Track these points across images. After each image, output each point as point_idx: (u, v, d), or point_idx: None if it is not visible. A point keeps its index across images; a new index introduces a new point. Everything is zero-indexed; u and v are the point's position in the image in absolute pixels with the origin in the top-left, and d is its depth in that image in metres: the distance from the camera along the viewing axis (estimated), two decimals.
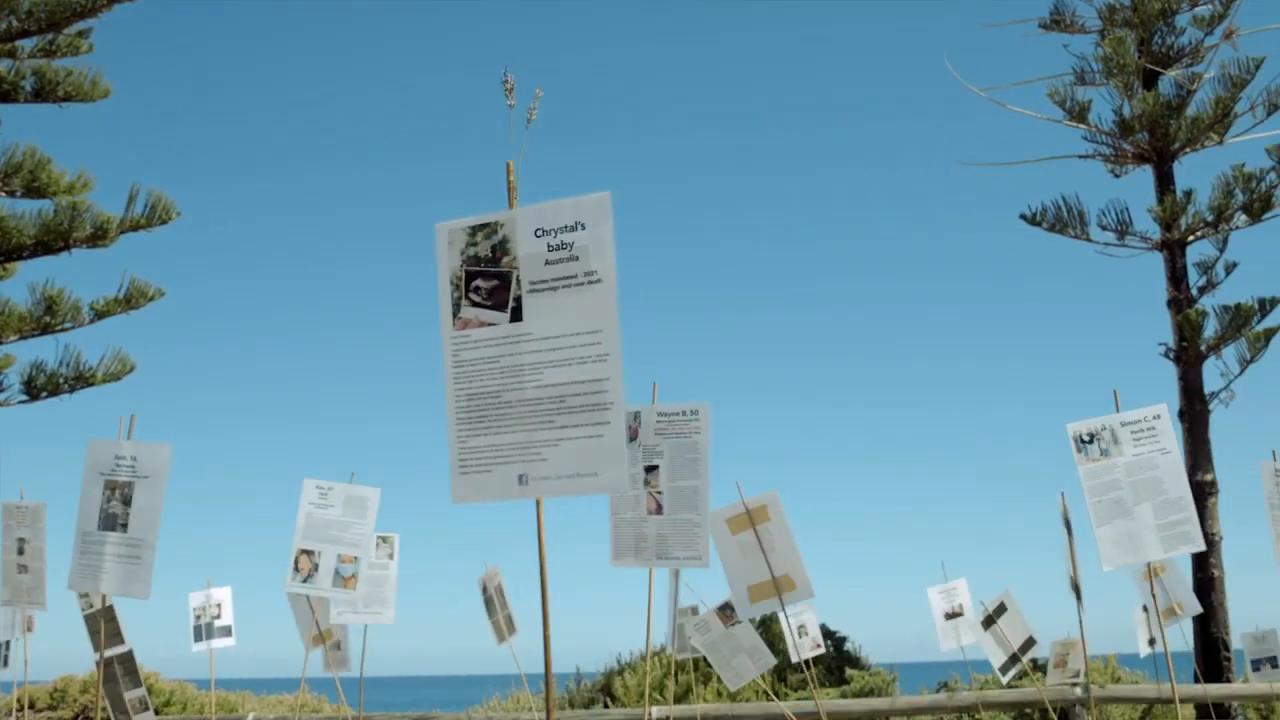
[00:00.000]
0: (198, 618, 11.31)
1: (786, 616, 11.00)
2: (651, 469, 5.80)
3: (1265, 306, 15.10)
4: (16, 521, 8.46)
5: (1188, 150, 15.87)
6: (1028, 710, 14.34)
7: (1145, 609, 11.96)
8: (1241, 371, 15.23)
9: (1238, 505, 15.49)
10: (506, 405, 3.25)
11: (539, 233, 3.23)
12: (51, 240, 15.68)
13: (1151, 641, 13.24)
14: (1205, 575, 15.10)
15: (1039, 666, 15.94)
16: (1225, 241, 15.60)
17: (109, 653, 8.72)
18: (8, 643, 10.36)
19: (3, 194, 15.81)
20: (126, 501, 6.04)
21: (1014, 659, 9.56)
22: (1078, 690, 12.21)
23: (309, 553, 7.42)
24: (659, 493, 5.74)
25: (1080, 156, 16.45)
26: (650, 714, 11.67)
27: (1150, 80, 15.88)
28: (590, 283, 3.15)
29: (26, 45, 16.00)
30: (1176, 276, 15.68)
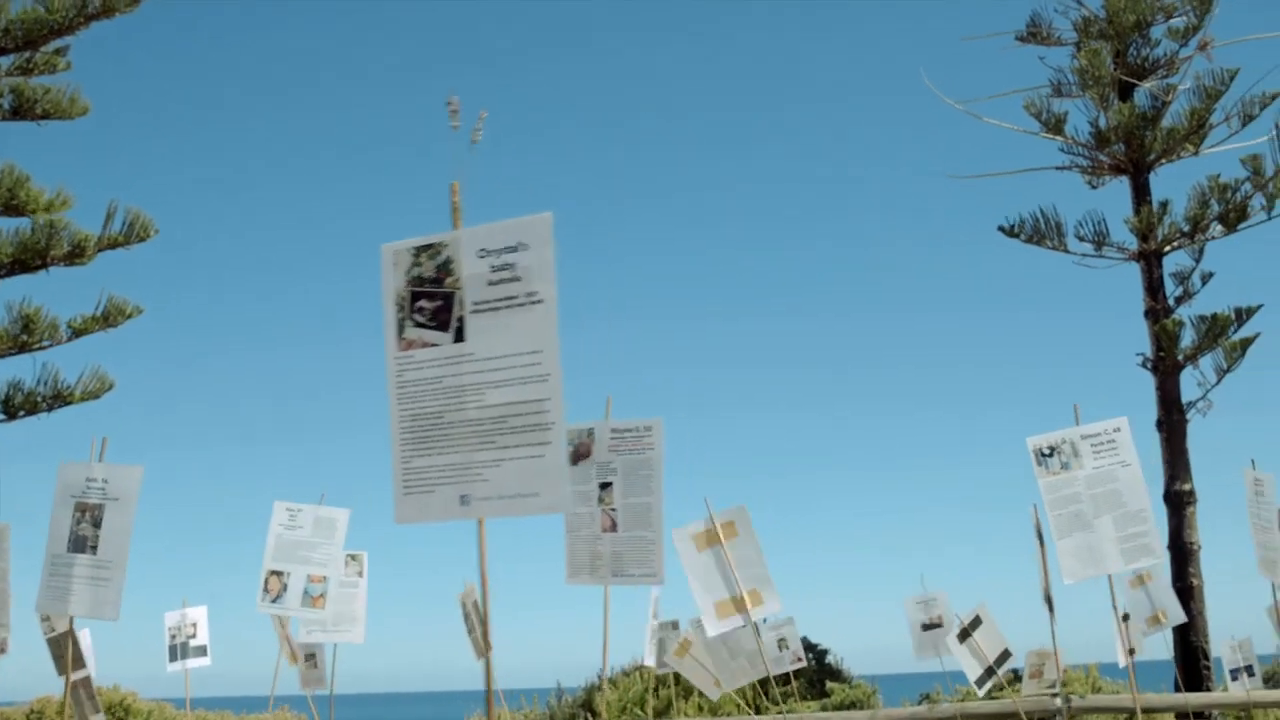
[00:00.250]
0: (173, 637, 11.29)
1: (759, 632, 11.00)
2: (606, 486, 5.80)
3: (1241, 316, 15.17)
4: None
5: (1164, 161, 15.95)
6: None
7: (1126, 618, 12.00)
8: (1218, 381, 15.30)
9: (1216, 514, 15.54)
10: (449, 426, 3.26)
11: (482, 253, 3.25)
12: (29, 258, 15.65)
13: (1131, 651, 13.30)
14: (1185, 584, 15.13)
15: (1019, 676, 15.95)
16: (1201, 252, 15.68)
17: (74, 676, 8.68)
18: None
19: None
20: (97, 524, 6.04)
21: (990, 671, 9.59)
22: (1057, 701, 12.24)
23: (278, 573, 7.42)
24: (613, 510, 5.74)
25: (1058, 168, 16.52)
26: None
27: (1126, 92, 15.97)
28: (531, 303, 3.16)
29: (4, 63, 15.98)
30: (1153, 287, 15.75)
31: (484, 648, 10.15)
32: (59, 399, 16.20)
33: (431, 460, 3.28)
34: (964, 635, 9.53)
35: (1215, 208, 15.40)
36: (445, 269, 3.30)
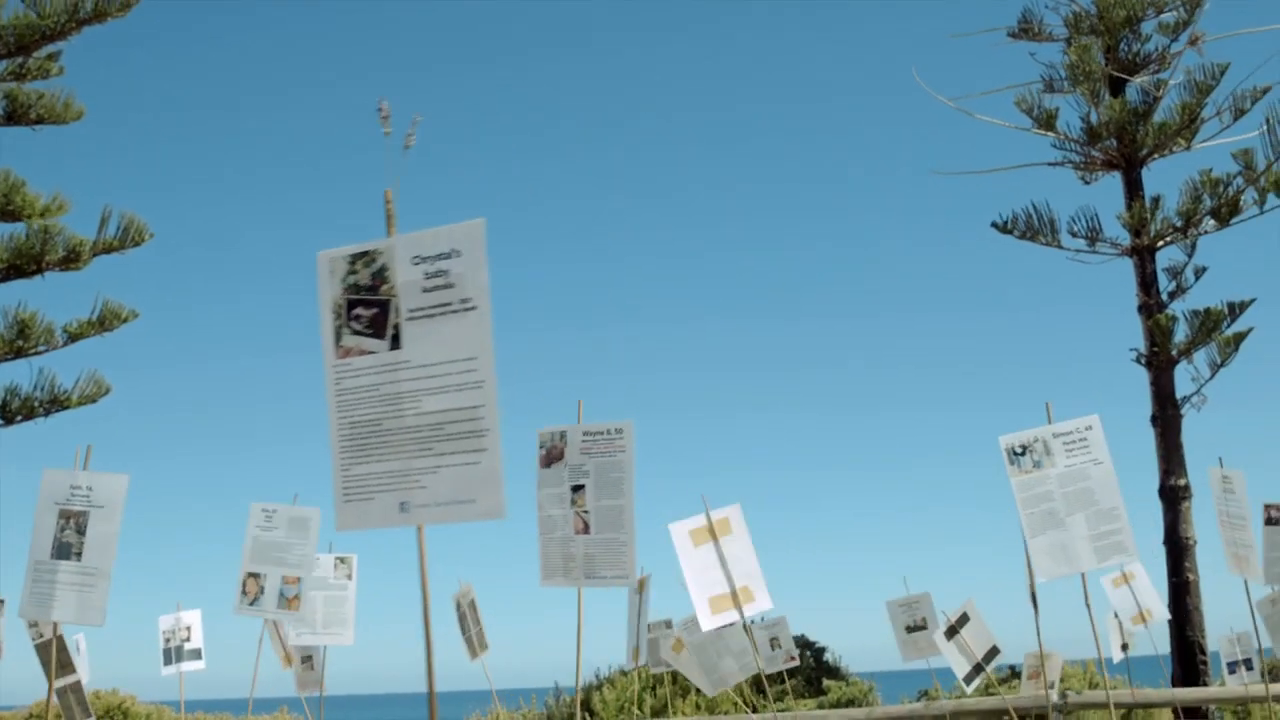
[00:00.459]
0: (167, 641, 11.30)
1: (750, 629, 11.00)
2: (578, 488, 5.82)
3: (1235, 311, 15.15)
4: None
5: (1156, 156, 15.93)
6: (1005, 718, 14.35)
7: (1116, 614, 12.00)
8: (1212, 376, 15.28)
9: (1212, 509, 15.50)
10: (387, 433, 3.27)
11: (416, 260, 3.26)
12: (24, 263, 15.69)
13: (1125, 647, 13.29)
14: (1180, 579, 15.12)
15: (1017, 673, 15.94)
16: (1194, 246, 15.65)
17: (60, 682, 8.70)
18: None
19: None
20: (81, 530, 6.08)
21: (978, 668, 9.56)
22: (1054, 696, 12.23)
23: (255, 575, 7.44)
24: (585, 512, 5.77)
25: (1050, 164, 16.51)
26: None
27: (1117, 87, 15.95)
28: (465, 310, 3.17)
29: None
30: (1146, 282, 15.73)
31: (477, 649, 10.16)
32: (56, 404, 16.24)
33: (370, 468, 3.30)
34: (951, 632, 9.51)
35: (1208, 202, 15.37)
36: (381, 276, 3.31)
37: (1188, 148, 15.81)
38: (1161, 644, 13.71)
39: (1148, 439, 15.59)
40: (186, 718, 12.41)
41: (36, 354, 15.84)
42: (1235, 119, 15.52)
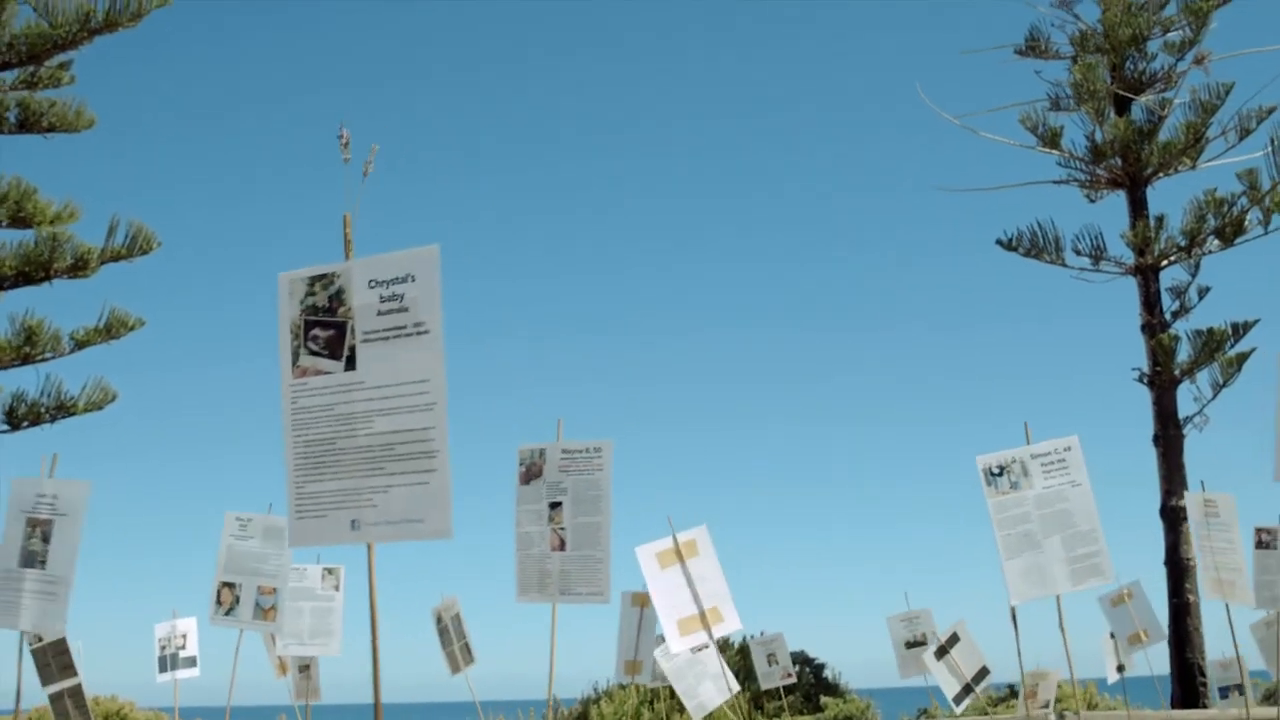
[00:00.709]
0: (163, 648, 11.37)
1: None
2: (555, 505, 5.86)
3: (1238, 331, 15.10)
4: None
5: (1161, 175, 15.91)
6: None
7: (1113, 635, 11.96)
8: (1215, 396, 15.23)
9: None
10: (340, 452, 3.33)
11: (372, 284, 3.32)
12: (32, 271, 15.80)
13: (1121, 668, 13.24)
14: (1181, 600, 15.07)
15: (1015, 692, 15.88)
16: (1198, 266, 15.63)
17: (59, 686, 8.76)
18: None
19: None
20: (46, 539, 6.13)
21: (967, 689, 9.56)
22: (1052, 716, 12.19)
23: (230, 585, 7.48)
24: (562, 529, 5.80)
25: (1055, 182, 16.50)
26: None
27: (1123, 106, 15.95)
28: (418, 333, 3.23)
29: (8, 77, 16.16)
30: (1150, 301, 15.70)
31: (460, 663, 10.19)
32: (62, 409, 16.33)
33: (324, 485, 3.35)
34: (941, 652, 9.52)
35: (1212, 222, 15.35)
36: (338, 299, 3.37)
37: (1193, 167, 15.79)
38: (1157, 665, 13.65)
39: (1150, 459, 15.56)
40: None
41: (43, 360, 15.94)
42: (1241, 139, 15.49)
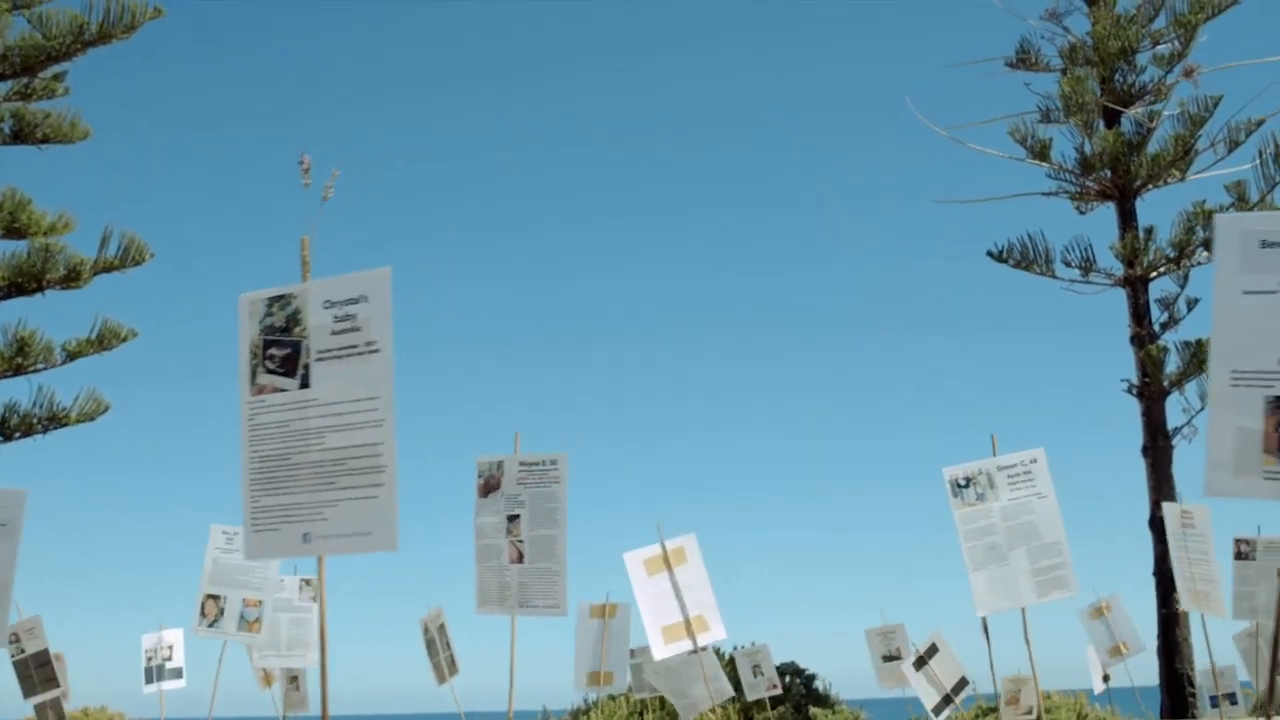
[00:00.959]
0: (149, 659, 11.43)
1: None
2: (514, 518, 5.92)
3: None
4: None
5: (1150, 187, 16.00)
6: None
7: (1095, 647, 12.01)
8: (1203, 407, 15.27)
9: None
10: (294, 467, 3.41)
11: (327, 304, 3.40)
12: (25, 281, 15.87)
13: (1106, 678, 13.29)
14: (1170, 611, 15.10)
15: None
16: (1186, 278, 15.72)
17: (42, 697, 8.80)
18: None
19: None
20: None
21: (947, 699, 9.60)
22: None
23: (215, 597, 7.54)
24: (520, 541, 5.86)
25: (1045, 194, 16.60)
26: None
27: (1112, 118, 16.04)
28: (370, 352, 3.31)
29: (2, 89, 16.25)
30: (1139, 313, 15.78)
31: (446, 673, 10.24)
32: (55, 420, 16.39)
33: (278, 499, 3.43)
34: (920, 663, 9.55)
35: (1200, 234, 15.43)
36: (294, 319, 3.45)
37: (1182, 179, 15.89)
38: (1140, 676, 13.70)
39: (1138, 470, 15.63)
40: None
41: (35, 371, 16.00)
42: (1229, 151, 15.59)
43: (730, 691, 9.16)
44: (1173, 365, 15.35)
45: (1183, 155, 15.54)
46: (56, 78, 16.54)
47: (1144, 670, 14.15)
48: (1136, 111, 15.91)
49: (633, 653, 11.89)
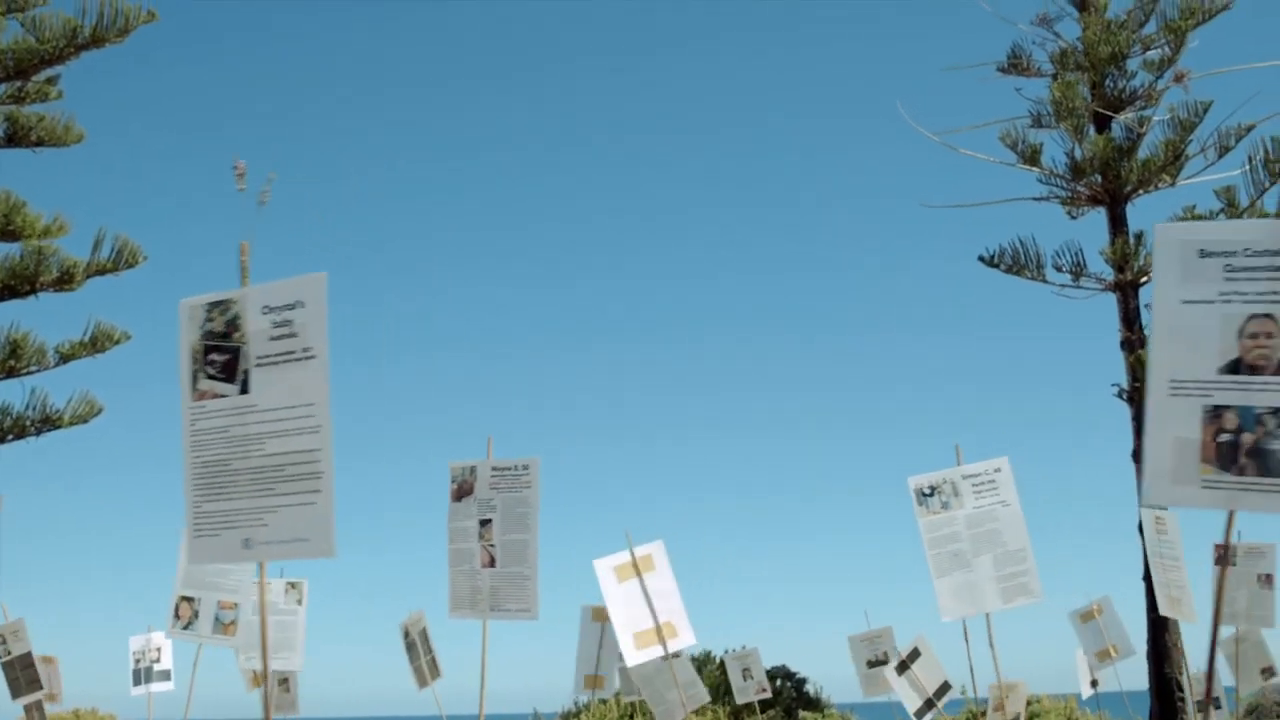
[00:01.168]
0: (137, 661, 11.48)
1: (727, 661, 11.03)
2: (486, 523, 5.95)
3: None
4: None
5: (1140, 192, 15.99)
6: None
7: (1084, 651, 12.02)
8: None
9: (1191, 546, 15.49)
10: (235, 473, 3.43)
11: (265, 310, 3.43)
12: (17, 284, 15.92)
13: (1094, 683, 13.30)
14: (1159, 615, 15.06)
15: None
16: None
17: (29, 698, 8.85)
18: None
19: None
20: None
21: (929, 704, 9.60)
22: None
23: (189, 599, 7.56)
24: (492, 546, 5.89)
25: (1036, 199, 16.58)
26: None
27: (1103, 123, 16.04)
28: (306, 358, 3.33)
29: None
30: (1129, 317, 15.77)
31: (428, 677, 10.24)
32: (48, 423, 16.44)
33: (219, 505, 3.45)
34: (903, 667, 9.55)
35: None
36: (234, 324, 3.47)
37: (1172, 184, 15.87)
38: (1129, 681, 13.71)
39: (1129, 475, 15.62)
40: None
41: (29, 374, 16.06)
42: (1220, 156, 15.56)
43: (706, 697, 9.19)
44: None
45: (1173, 160, 15.52)
46: (50, 81, 16.59)
47: (1132, 675, 14.16)
48: (1127, 117, 15.91)
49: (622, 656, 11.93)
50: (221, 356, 3.47)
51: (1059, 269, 16.22)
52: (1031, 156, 15.86)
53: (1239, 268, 3.27)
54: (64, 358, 16.15)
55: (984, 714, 16.79)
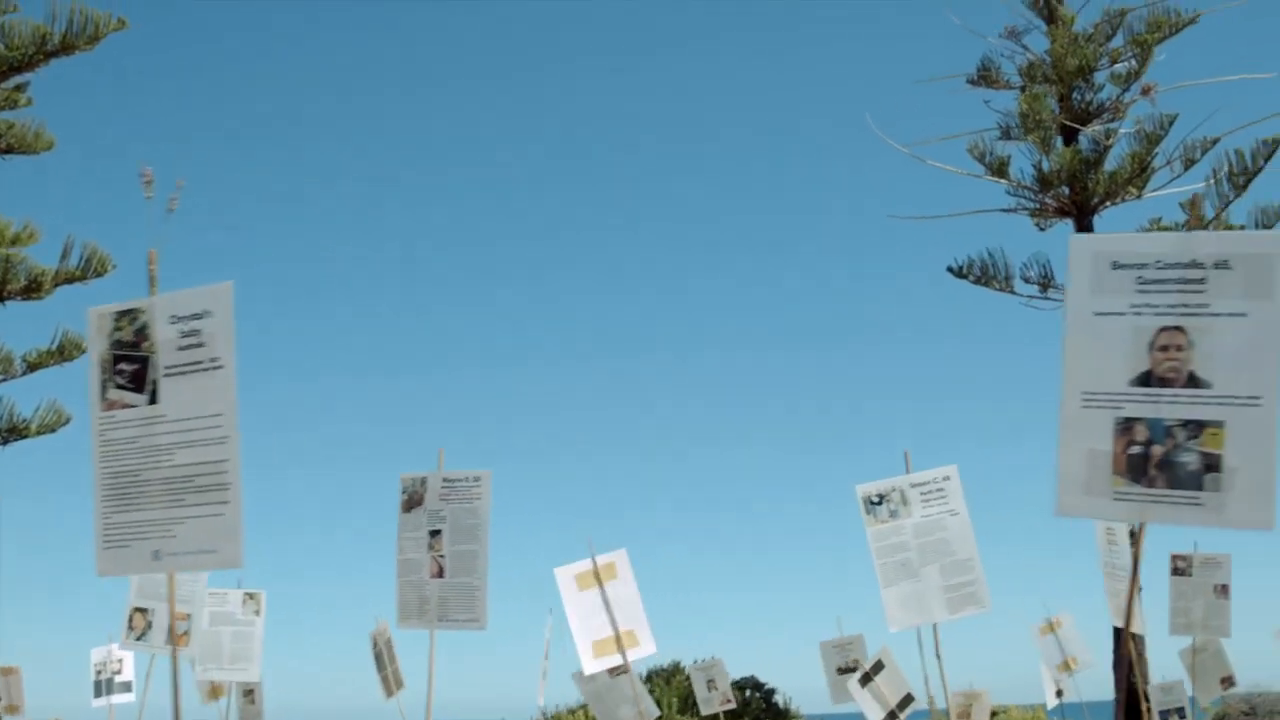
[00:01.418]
0: (98, 673, 11.40)
1: (692, 672, 10.98)
2: (435, 533, 5.95)
3: None
4: None
5: (1107, 204, 16.06)
6: None
7: (1046, 663, 12.04)
8: None
9: (1161, 553, 15.54)
10: (145, 484, 3.41)
11: (173, 319, 3.41)
12: None
13: (1059, 693, 13.33)
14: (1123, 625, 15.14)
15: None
16: None
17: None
18: None
19: None
20: None
21: (892, 716, 9.58)
22: None
23: (143, 610, 7.51)
24: (441, 556, 5.89)
25: (1004, 210, 16.65)
26: None
27: (1070, 136, 16.12)
28: (214, 368, 3.32)
29: None
30: None
31: (393, 687, 10.20)
32: (15, 432, 16.33)
33: (129, 516, 3.43)
34: (866, 679, 9.53)
35: None
36: (143, 334, 3.46)
37: (1139, 196, 15.95)
38: (1094, 691, 13.73)
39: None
40: None
41: None
42: (1185, 169, 15.65)
43: (656, 712, 9.15)
44: None
45: (1139, 173, 15.61)
46: (19, 88, 16.51)
47: (1098, 686, 14.19)
48: (1094, 129, 15.99)
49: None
50: (130, 366, 3.45)
51: (1027, 280, 16.29)
52: (999, 168, 15.93)
53: (1150, 280, 3.28)
54: (31, 366, 16.06)
55: None
